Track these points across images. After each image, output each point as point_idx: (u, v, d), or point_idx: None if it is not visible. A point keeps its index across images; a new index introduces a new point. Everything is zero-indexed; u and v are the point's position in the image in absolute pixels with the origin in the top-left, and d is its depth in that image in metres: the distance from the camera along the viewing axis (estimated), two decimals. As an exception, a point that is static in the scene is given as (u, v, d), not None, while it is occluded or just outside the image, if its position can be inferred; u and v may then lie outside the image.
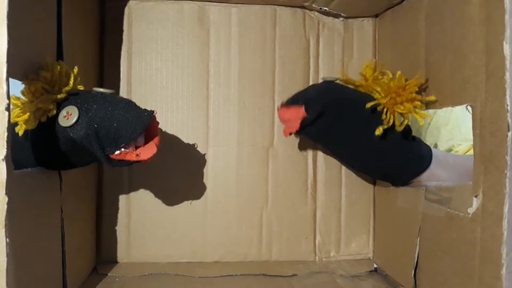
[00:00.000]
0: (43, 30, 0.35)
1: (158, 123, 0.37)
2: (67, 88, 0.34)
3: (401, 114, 0.41)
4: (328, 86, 0.43)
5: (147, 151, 0.35)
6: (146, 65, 0.52)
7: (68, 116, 0.33)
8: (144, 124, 0.34)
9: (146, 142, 0.36)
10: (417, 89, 0.41)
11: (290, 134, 0.44)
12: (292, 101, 0.43)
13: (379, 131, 0.40)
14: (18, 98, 0.32)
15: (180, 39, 0.52)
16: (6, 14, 0.25)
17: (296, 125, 0.42)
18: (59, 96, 0.33)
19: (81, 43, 0.45)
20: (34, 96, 0.32)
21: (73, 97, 0.34)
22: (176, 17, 0.52)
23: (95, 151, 0.34)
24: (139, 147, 0.35)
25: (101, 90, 0.36)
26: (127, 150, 0.34)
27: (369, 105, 0.40)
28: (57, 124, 0.33)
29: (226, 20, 0.53)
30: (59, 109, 0.33)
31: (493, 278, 0.30)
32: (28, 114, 0.32)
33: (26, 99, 0.32)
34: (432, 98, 0.40)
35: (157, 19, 0.52)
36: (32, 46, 0.33)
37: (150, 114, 0.35)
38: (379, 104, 0.41)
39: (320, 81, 0.45)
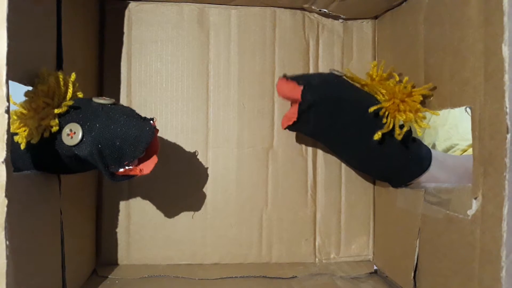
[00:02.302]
0: (43, 32, 0.35)
1: (157, 130, 0.37)
2: (66, 103, 0.34)
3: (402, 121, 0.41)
4: (333, 79, 0.43)
5: (149, 164, 0.36)
6: (146, 67, 0.52)
7: (72, 135, 0.33)
8: (146, 142, 0.34)
9: (146, 152, 0.36)
10: (422, 98, 0.40)
11: (288, 126, 0.44)
12: (294, 78, 0.42)
13: (377, 136, 0.40)
14: (17, 113, 0.32)
15: (179, 41, 0.52)
16: (6, 17, 0.25)
17: (293, 116, 0.42)
18: (59, 111, 0.33)
19: (81, 45, 0.45)
20: (35, 112, 0.32)
21: (74, 112, 0.34)
22: (175, 19, 0.52)
23: (99, 168, 0.34)
24: (141, 159, 0.36)
25: (101, 101, 0.35)
26: (131, 167, 0.35)
27: (372, 109, 0.40)
28: (61, 142, 0.33)
29: (225, 22, 0.53)
30: (60, 123, 0.33)
31: (493, 280, 0.30)
32: (29, 129, 0.32)
33: (26, 113, 0.32)
34: (437, 113, 0.40)
35: (157, 21, 0.52)
36: (32, 48, 0.33)
37: (152, 130, 0.35)
38: (381, 108, 0.41)
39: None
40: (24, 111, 0.32)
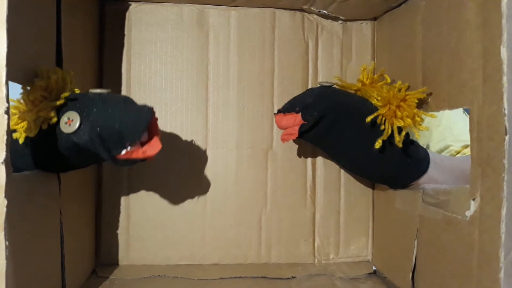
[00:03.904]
0: (42, 33, 0.35)
1: (157, 118, 0.37)
2: (65, 94, 0.34)
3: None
4: (325, 91, 0.42)
5: (153, 147, 0.35)
6: (145, 68, 0.52)
7: (70, 122, 0.33)
8: (145, 121, 0.34)
9: (149, 137, 0.36)
10: (417, 101, 0.40)
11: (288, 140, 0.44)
12: (289, 108, 0.43)
13: (378, 144, 0.40)
14: (15, 107, 0.32)
15: (179, 41, 0.52)
16: (5, 18, 0.25)
17: (294, 133, 0.42)
18: (58, 103, 0.33)
19: (80, 46, 0.45)
20: (33, 105, 0.32)
21: (71, 102, 0.34)
22: (175, 20, 0.52)
23: (101, 154, 0.34)
24: (143, 142, 0.35)
25: (98, 91, 0.35)
26: (133, 149, 0.34)
27: (369, 119, 0.40)
28: (59, 131, 0.33)
29: (225, 23, 0.53)
30: (58, 115, 0.33)
31: (491, 281, 0.30)
32: (27, 122, 0.32)
33: (25, 108, 0.32)
34: (434, 115, 0.40)
35: (157, 22, 0.52)
36: (32, 49, 0.33)
37: (150, 110, 0.35)
38: (378, 116, 0.41)
39: (317, 85, 0.44)
40: (22, 105, 0.32)
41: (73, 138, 0.33)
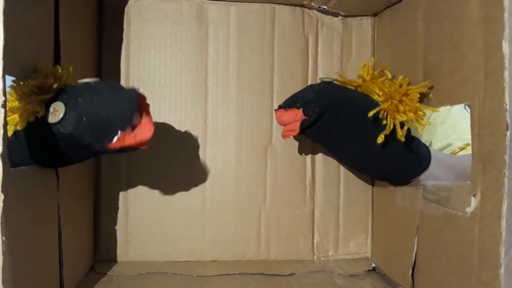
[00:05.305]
0: (40, 27, 0.35)
1: (145, 98, 0.36)
2: (54, 86, 0.33)
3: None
4: (327, 87, 0.42)
5: (144, 130, 0.34)
6: (144, 63, 0.52)
7: (55, 112, 0.32)
8: (133, 104, 0.33)
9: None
10: (419, 96, 0.40)
11: (289, 137, 0.43)
12: (289, 104, 0.42)
13: (381, 139, 0.40)
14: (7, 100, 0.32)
15: (178, 37, 0.52)
16: (2, 11, 0.25)
17: (295, 129, 0.41)
18: (47, 96, 0.33)
19: (79, 41, 0.45)
20: (21, 99, 0.32)
21: (59, 94, 0.34)
22: (174, 15, 0.52)
23: (92, 143, 0.33)
24: (136, 126, 0.34)
25: (85, 80, 0.35)
26: (124, 134, 0.33)
27: (371, 114, 0.40)
28: (46, 122, 0.33)
29: (224, 18, 0.53)
30: (47, 108, 0.33)
31: (492, 278, 0.30)
32: (16, 115, 0.31)
33: (14, 101, 0.32)
34: (436, 110, 0.40)
35: (156, 17, 0.52)
36: (29, 43, 0.33)
37: (136, 92, 0.34)
38: (380, 111, 0.40)
39: (318, 81, 0.44)
40: (12, 98, 0.31)
41: (60, 129, 0.33)
